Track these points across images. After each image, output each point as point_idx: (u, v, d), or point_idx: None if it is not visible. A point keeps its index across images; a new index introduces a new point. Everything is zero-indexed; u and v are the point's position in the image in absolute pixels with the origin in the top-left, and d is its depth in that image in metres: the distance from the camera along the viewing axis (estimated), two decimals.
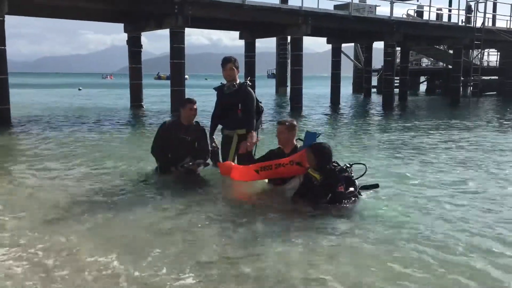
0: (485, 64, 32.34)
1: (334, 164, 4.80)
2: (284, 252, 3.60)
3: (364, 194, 4.99)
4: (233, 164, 5.59)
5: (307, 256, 3.55)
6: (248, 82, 5.94)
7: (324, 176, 4.65)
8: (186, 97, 6.34)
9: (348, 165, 4.91)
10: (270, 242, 3.80)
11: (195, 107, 5.98)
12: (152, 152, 6.08)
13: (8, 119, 12.36)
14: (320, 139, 5.16)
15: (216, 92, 6.08)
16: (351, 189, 4.73)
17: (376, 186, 5.25)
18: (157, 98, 24.58)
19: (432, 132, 11.60)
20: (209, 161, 6.03)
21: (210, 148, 5.99)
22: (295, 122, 5.37)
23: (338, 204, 4.57)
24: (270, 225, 4.23)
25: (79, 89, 38.50)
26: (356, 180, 4.87)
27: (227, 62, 5.82)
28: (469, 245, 3.76)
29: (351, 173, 4.87)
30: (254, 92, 6.01)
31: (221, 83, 6.06)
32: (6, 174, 6.47)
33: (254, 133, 5.66)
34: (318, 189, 4.64)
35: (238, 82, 5.87)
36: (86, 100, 24.91)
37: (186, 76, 16.29)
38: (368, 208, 4.65)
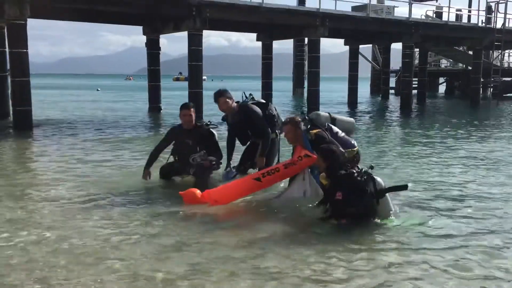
0: (506, 65, 31.86)
1: (351, 169, 4.40)
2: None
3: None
4: (197, 192, 4.98)
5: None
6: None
7: (331, 181, 4.42)
8: (185, 102, 6.14)
9: (370, 168, 4.45)
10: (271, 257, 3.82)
11: (189, 113, 5.84)
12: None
13: (30, 120, 12.59)
14: None
15: (225, 121, 6.06)
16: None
17: (404, 187, 4.57)
18: (175, 100, 24.73)
19: (451, 136, 11.45)
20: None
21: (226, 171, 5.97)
22: (298, 118, 5.23)
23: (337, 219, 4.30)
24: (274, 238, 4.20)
25: (98, 90, 39.05)
26: (371, 188, 4.30)
27: (219, 96, 5.75)
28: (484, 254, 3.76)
29: (367, 177, 4.33)
30: (268, 101, 6.02)
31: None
32: (26, 171, 6.65)
33: (263, 159, 5.60)
34: (325, 196, 4.51)
35: (237, 108, 5.76)
36: (104, 101, 25.23)
37: (204, 77, 16.38)
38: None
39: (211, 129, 5.97)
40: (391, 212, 4.52)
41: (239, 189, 5.07)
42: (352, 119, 6.00)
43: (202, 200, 4.89)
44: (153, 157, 6.04)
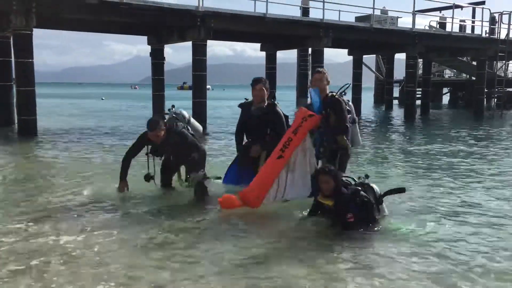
0: (510, 75, 31.83)
1: (347, 181, 4.53)
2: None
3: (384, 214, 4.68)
4: (234, 196, 5.03)
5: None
6: (276, 102, 5.76)
7: (335, 202, 4.37)
8: (153, 119, 5.74)
9: (364, 178, 4.56)
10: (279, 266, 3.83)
11: (156, 134, 5.55)
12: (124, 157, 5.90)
13: (35, 129, 12.67)
14: None
15: (240, 108, 5.92)
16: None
17: (402, 190, 4.71)
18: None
19: (454, 147, 11.44)
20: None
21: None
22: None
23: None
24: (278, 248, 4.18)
25: (102, 99, 39.23)
26: (370, 197, 4.43)
27: (257, 82, 5.60)
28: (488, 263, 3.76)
29: (367, 188, 4.49)
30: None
31: (245, 99, 5.91)
32: (30, 179, 6.68)
33: (260, 150, 5.59)
34: (332, 213, 4.46)
35: (266, 103, 5.67)
36: (109, 110, 25.34)
37: (208, 87, 16.45)
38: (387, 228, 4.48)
39: (180, 132, 5.65)
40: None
41: (269, 173, 5.06)
42: (361, 140, 5.90)
43: (240, 203, 4.94)
44: (125, 167, 5.85)
